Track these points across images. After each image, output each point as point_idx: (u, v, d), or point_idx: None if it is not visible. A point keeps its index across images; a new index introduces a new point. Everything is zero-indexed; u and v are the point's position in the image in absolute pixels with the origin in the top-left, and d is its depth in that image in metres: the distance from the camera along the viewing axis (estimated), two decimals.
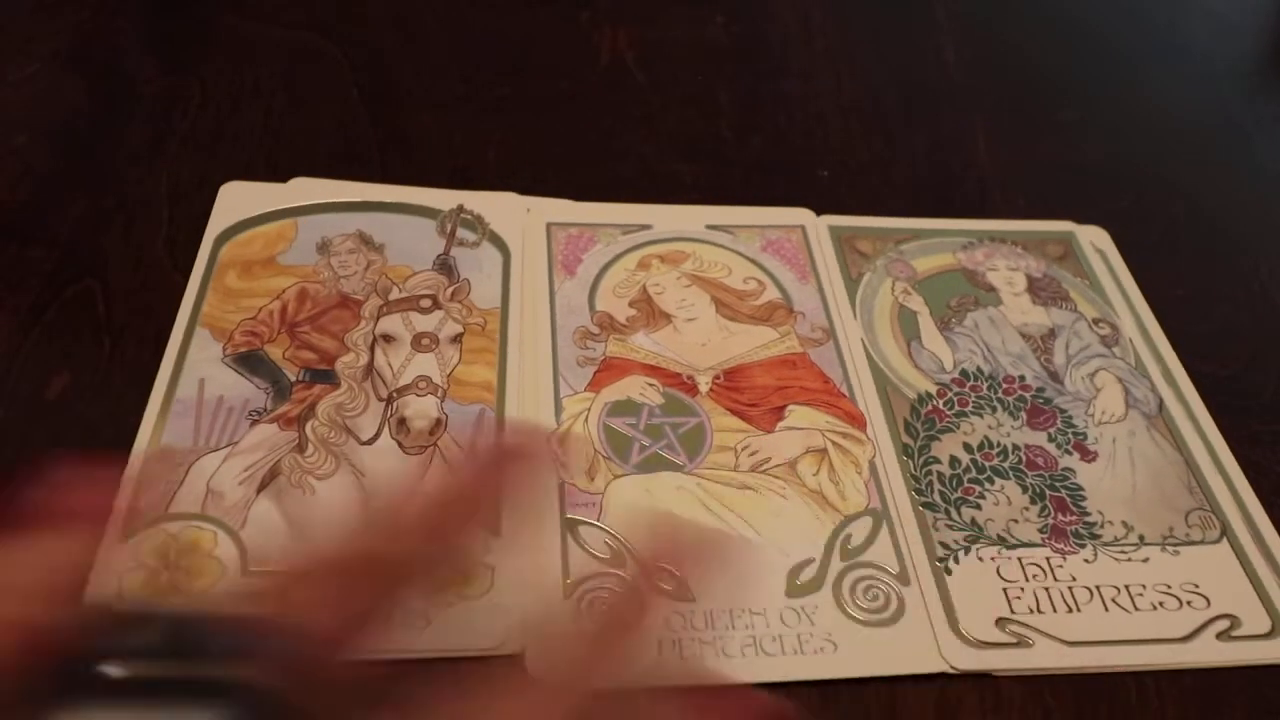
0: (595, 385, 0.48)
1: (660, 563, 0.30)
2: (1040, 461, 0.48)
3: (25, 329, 0.48)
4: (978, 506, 0.46)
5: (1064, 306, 0.56)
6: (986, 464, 0.47)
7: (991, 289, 0.56)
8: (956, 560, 0.44)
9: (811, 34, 0.74)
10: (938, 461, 0.47)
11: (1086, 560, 0.44)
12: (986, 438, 0.49)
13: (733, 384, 0.49)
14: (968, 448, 0.48)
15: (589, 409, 0.47)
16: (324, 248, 0.53)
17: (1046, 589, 0.43)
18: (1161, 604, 0.43)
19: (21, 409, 0.45)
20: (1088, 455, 0.48)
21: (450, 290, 0.51)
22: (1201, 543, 0.46)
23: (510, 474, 0.29)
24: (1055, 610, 0.42)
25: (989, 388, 0.51)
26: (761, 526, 0.44)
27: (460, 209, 0.55)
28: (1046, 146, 0.67)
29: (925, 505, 0.45)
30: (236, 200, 0.54)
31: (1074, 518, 0.46)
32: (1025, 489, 0.47)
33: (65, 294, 0.50)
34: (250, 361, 0.47)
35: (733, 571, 0.41)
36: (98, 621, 0.21)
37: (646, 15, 0.73)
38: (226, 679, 0.20)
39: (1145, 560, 0.45)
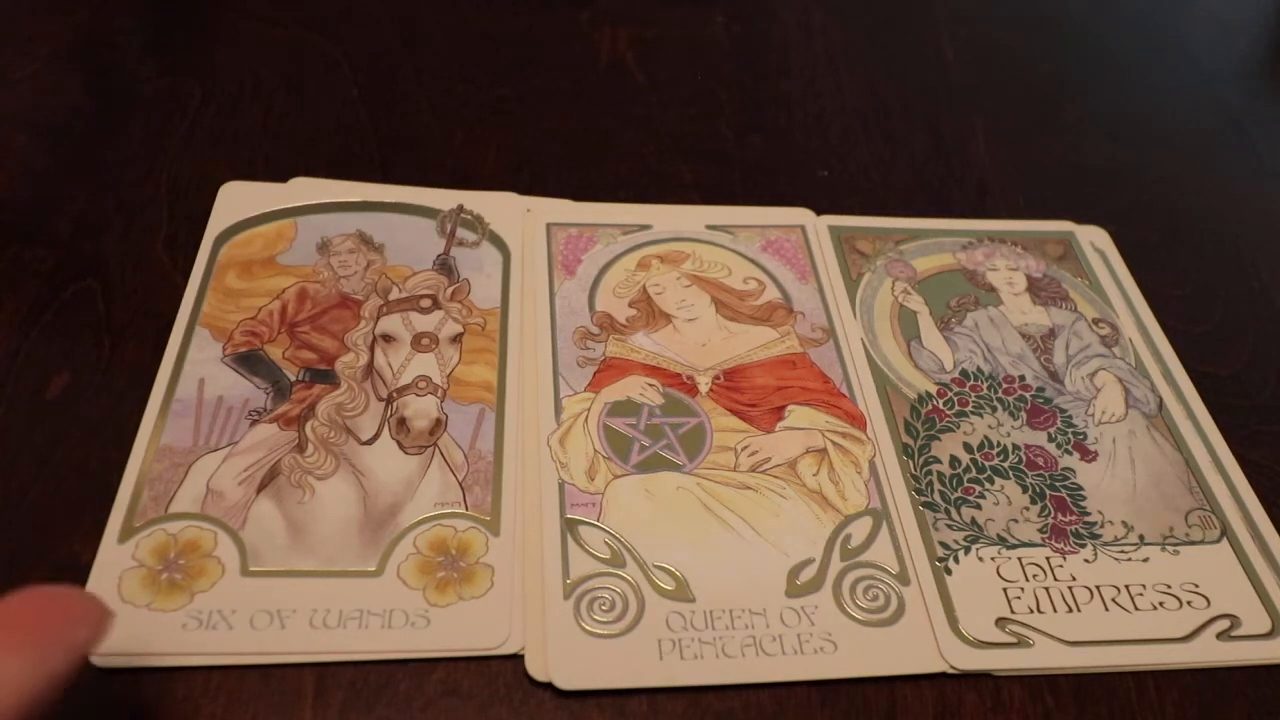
0: (595, 385, 0.48)
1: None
2: (1040, 461, 0.48)
3: (25, 329, 0.48)
4: (978, 506, 0.46)
5: (1064, 306, 0.56)
6: (986, 464, 0.48)
7: (991, 289, 0.56)
8: (956, 560, 0.44)
9: (811, 34, 0.74)
10: (938, 461, 0.47)
11: (1086, 560, 0.44)
12: (986, 437, 0.49)
13: (733, 384, 0.49)
14: (968, 447, 0.48)
15: (589, 409, 0.47)
16: (324, 248, 0.53)
17: (1046, 589, 0.43)
18: (1161, 604, 0.43)
19: (21, 409, 0.45)
20: (1088, 455, 0.48)
21: (450, 290, 0.51)
22: (1201, 543, 0.46)
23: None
24: (1055, 610, 0.42)
25: (989, 388, 0.51)
26: (761, 526, 0.44)
27: (460, 209, 0.55)
28: (1046, 146, 0.67)
29: (925, 505, 0.45)
30: (236, 200, 0.54)
31: (1074, 518, 0.46)
32: (1025, 489, 0.47)
33: (65, 294, 0.50)
34: (250, 361, 0.47)
35: None
36: None
37: (646, 15, 0.73)
38: None
39: (1145, 560, 0.45)
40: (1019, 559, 0.44)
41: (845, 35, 0.74)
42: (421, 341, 0.49)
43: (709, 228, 0.57)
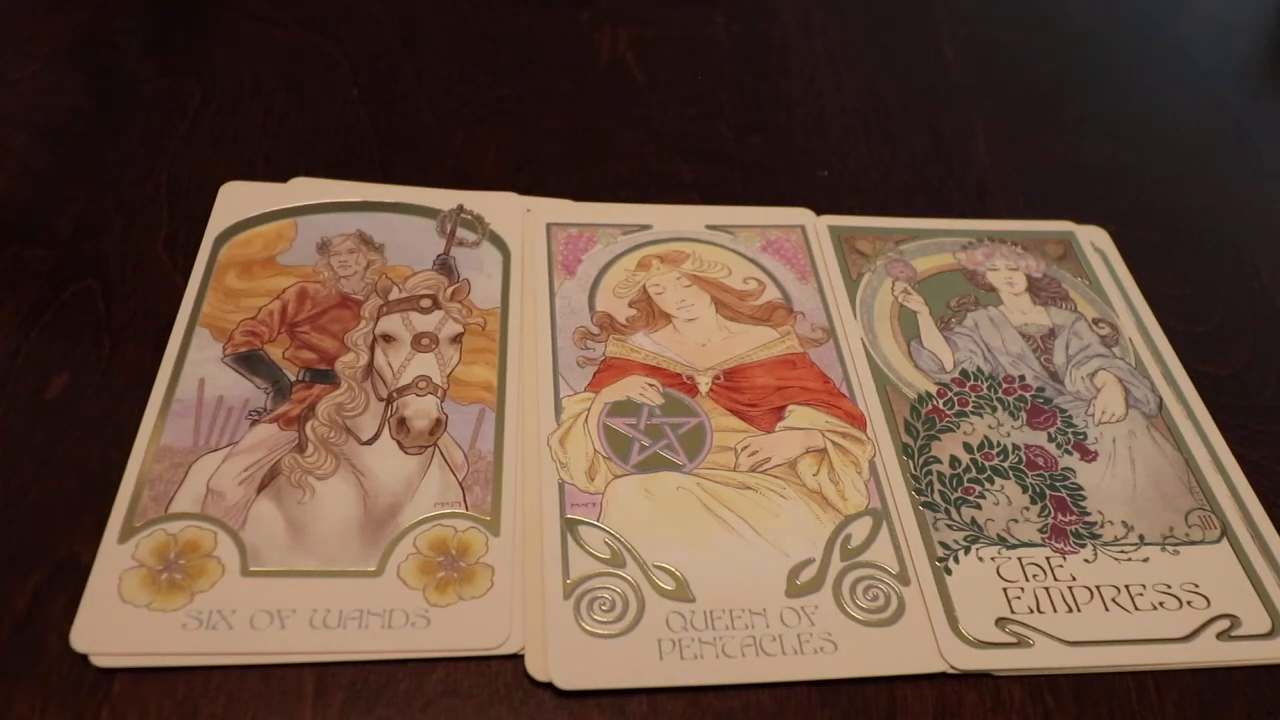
0: (595, 385, 0.48)
1: None
2: (1040, 461, 0.48)
3: (25, 329, 0.48)
4: (978, 506, 0.46)
5: (1064, 306, 0.56)
6: (986, 464, 0.47)
7: (991, 289, 0.56)
8: (956, 560, 0.44)
9: (811, 34, 0.74)
10: (938, 461, 0.47)
11: (1086, 560, 0.44)
12: (986, 437, 0.49)
13: (733, 384, 0.49)
14: (968, 447, 0.48)
15: (589, 409, 0.47)
16: (324, 248, 0.53)
17: (1046, 589, 0.43)
18: (1161, 604, 0.43)
19: (21, 409, 0.45)
20: (1088, 455, 0.48)
21: (450, 290, 0.51)
22: (1201, 543, 0.46)
23: None
24: (1055, 610, 0.42)
25: (989, 388, 0.51)
26: (761, 526, 0.44)
27: (460, 209, 0.55)
28: (1046, 146, 0.67)
29: (925, 505, 0.45)
30: (236, 200, 0.54)
31: (1074, 518, 0.46)
32: (1025, 489, 0.47)
33: (65, 294, 0.50)
34: (250, 361, 0.47)
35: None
36: None
37: (646, 15, 0.73)
38: None
39: (1145, 560, 0.45)
40: (1019, 559, 0.44)
41: (845, 35, 0.74)
42: (421, 341, 0.49)
43: (709, 228, 0.57)
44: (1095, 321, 0.55)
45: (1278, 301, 0.59)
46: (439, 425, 0.46)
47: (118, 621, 0.38)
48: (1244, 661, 0.42)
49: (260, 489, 0.42)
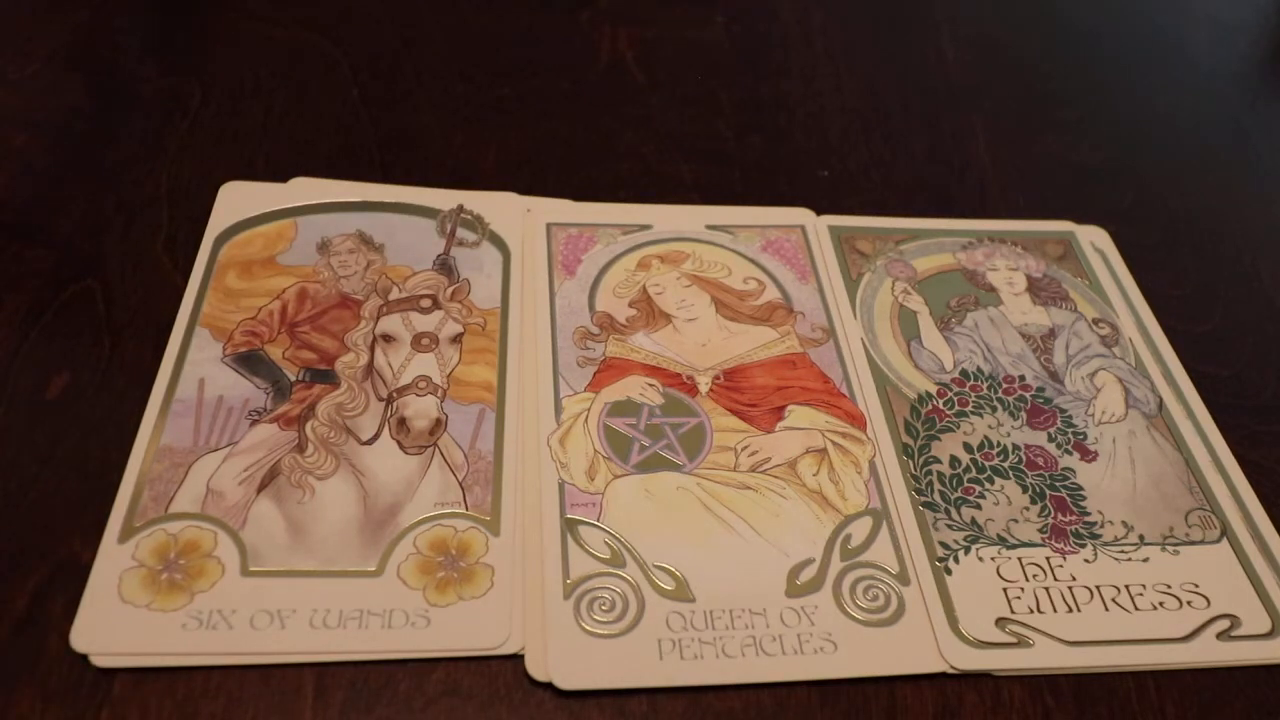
0: (595, 385, 0.48)
1: None
2: (1040, 461, 0.48)
3: (25, 329, 0.48)
4: (978, 506, 0.46)
5: (1064, 306, 0.56)
6: (986, 464, 0.48)
7: (991, 289, 0.56)
8: (956, 560, 0.44)
9: (811, 34, 0.74)
10: (938, 461, 0.47)
11: (1086, 560, 0.44)
12: (986, 437, 0.49)
13: (733, 384, 0.49)
14: (968, 447, 0.48)
15: (589, 409, 0.47)
16: (324, 248, 0.53)
17: (1046, 589, 0.43)
18: (1161, 604, 0.43)
19: (21, 409, 0.45)
20: (1088, 455, 0.48)
21: (450, 290, 0.51)
22: (1201, 543, 0.46)
23: None
24: (1055, 610, 0.42)
25: (989, 388, 0.51)
26: (761, 526, 0.44)
27: (460, 209, 0.55)
28: (1046, 146, 0.67)
29: (925, 505, 0.45)
30: (236, 200, 0.54)
31: (1074, 518, 0.46)
32: (1025, 489, 0.47)
33: (65, 294, 0.50)
34: (250, 361, 0.47)
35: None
36: None
37: (646, 15, 0.73)
38: None
39: (1145, 560, 0.45)
40: (1019, 559, 0.44)
41: (845, 35, 0.74)
42: (421, 341, 0.49)
43: (709, 228, 0.57)
44: (1095, 321, 0.55)
45: (1278, 301, 0.59)
46: (439, 425, 0.46)
47: (118, 621, 0.38)
48: (1244, 661, 0.42)
49: (260, 489, 0.42)
